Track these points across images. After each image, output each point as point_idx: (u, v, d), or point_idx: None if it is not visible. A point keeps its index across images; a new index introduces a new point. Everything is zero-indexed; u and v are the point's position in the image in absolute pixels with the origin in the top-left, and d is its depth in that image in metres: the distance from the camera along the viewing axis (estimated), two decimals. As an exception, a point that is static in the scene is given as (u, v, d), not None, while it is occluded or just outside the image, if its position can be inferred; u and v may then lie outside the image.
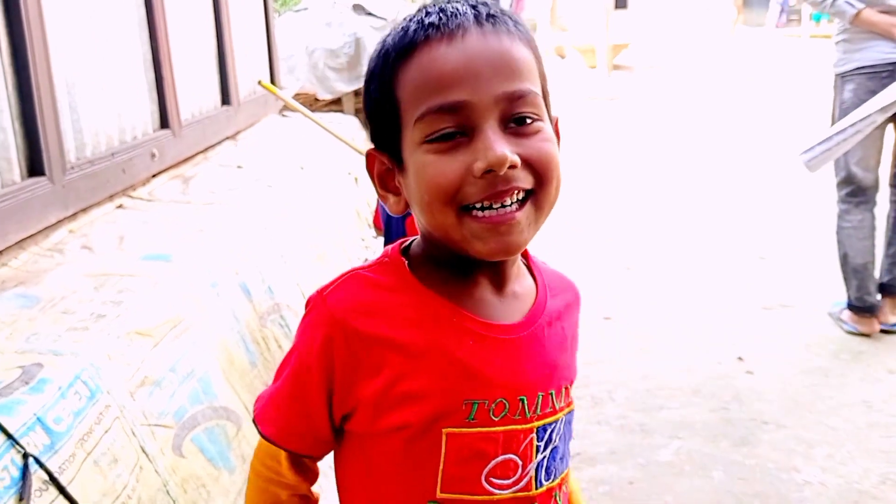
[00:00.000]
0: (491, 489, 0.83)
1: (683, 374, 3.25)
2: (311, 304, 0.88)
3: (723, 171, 6.79)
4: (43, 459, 1.41)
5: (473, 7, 0.81)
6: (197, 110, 3.78)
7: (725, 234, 5.10)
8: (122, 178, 2.88)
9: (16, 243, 2.23)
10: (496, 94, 0.78)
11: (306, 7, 8.80)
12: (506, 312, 0.88)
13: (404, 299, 0.84)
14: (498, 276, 0.89)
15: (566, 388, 0.92)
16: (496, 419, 0.83)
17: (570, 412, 0.93)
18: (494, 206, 0.79)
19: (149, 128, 3.21)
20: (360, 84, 5.73)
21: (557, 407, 0.88)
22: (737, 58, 14.92)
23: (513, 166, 0.77)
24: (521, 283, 0.93)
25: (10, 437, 1.38)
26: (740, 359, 3.35)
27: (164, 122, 3.31)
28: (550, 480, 0.88)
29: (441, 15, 0.80)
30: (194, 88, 3.74)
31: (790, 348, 3.45)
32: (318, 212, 3.69)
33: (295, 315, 2.81)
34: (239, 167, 3.62)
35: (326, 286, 0.87)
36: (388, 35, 0.84)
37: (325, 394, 0.85)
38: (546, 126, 0.83)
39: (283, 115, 5.45)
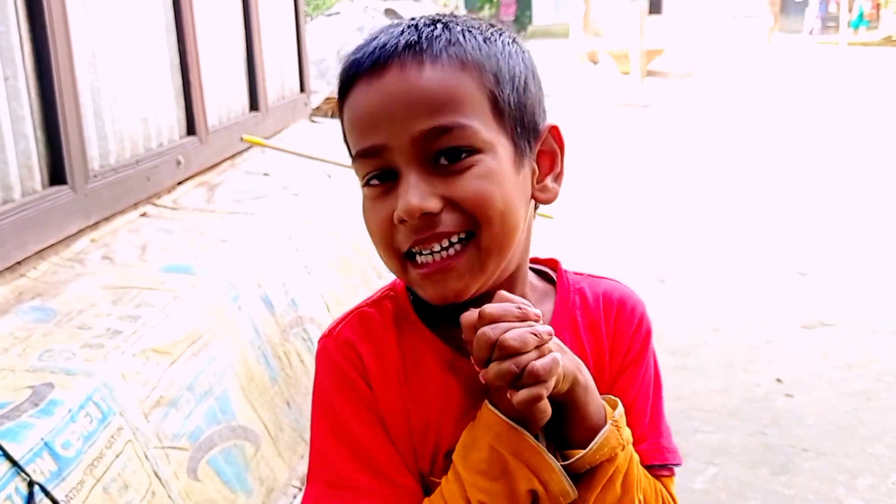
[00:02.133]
0: None
1: (719, 396, 3.13)
2: (320, 344, 0.86)
3: (760, 182, 6.62)
4: (49, 487, 1.35)
5: (409, 30, 0.76)
6: (224, 116, 3.73)
7: (764, 247, 4.95)
8: (146, 185, 2.83)
9: (35, 253, 2.19)
10: (412, 135, 0.73)
11: (338, 12, 8.80)
12: None
13: (401, 339, 0.82)
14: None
15: None
16: None
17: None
18: (430, 253, 0.75)
19: (175, 134, 3.17)
20: (391, 89, 5.69)
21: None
22: (773, 65, 14.67)
23: (429, 213, 0.73)
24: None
25: (15, 464, 1.32)
26: (779, 380, 3.22)
27: (190, 129, 3.27)
28: None
29: (367, 50, 0.76)
30: (222, 94, 3.70)
31: (831, 370, 3.31)
32: (344, 221, 3.62)
33: (319, 328, 2.74)
34: (265, 175, 3.57)
35: (335, 325, 0.85)
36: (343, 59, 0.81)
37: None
38: (487, 158, 0.74)
39: (313, 121, 5.41)
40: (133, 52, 2.85)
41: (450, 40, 0.74)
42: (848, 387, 3.17)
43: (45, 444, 1.40)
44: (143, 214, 2.80)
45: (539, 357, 0.67)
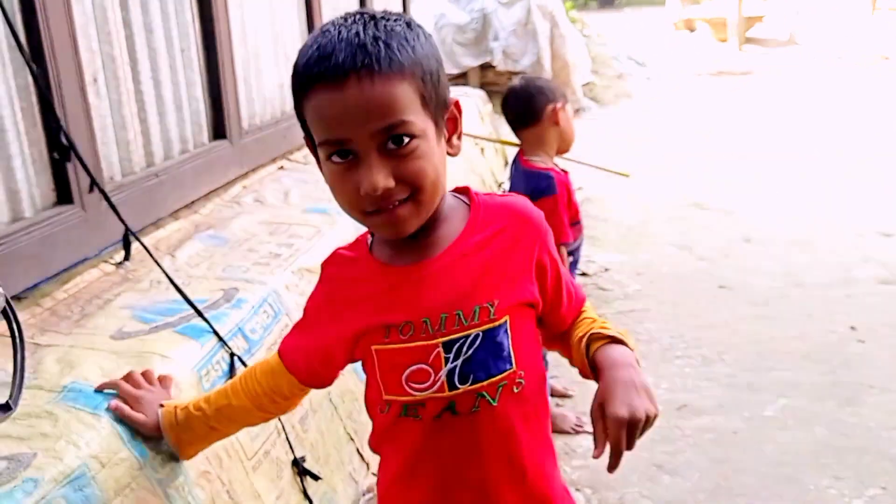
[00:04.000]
0: (411, 391, 1.08)
1: (795, 341, 3.38)
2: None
3: (853, 148, 6.65)
4: (244, 360, 1.79)
5: (356, 47, 0.97)
6: (343, 84, 4.17)
7: (851, 209, 5.08)
8: (283, 143, 3.29)
9: (204, 195, 2.66)
10: (371, 132, 0.98)
11: (437, -16, 9.11)
12: (418, 254, 1.10)
13: (358, 266, 1.15)
14: (415, 235, 1.08)
15: (485, 308, 1.07)
16: (404, 337, 1.08)
17: (494, 327, 1.07)
18: (382, 210, 1.03)
19: (305, 99, 3.62)
20: (486, 59, 6.11)
21: (466, 324, 1.06)
22: (877, 34, 14.18)
23: (386, 189, 0.99)
24: (442, 229, 1.11)
25: (220, 339, 1.75)
26: (853, 328, 3.44)
27: (317, 94, 3.71)
28: (468, 384, 1.07)
29: (327, 65, 0.96)
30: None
31: (906, 320, 3.50)
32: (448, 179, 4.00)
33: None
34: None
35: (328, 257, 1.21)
36: (298, 57, 1.03)
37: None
38: (421, 142, 1.00)
39: (417, 89, 5.80)
40: (272, 28, 3.30)
41: (391, 58, 0.97)
42: (920, 335, 3.37)
43: (239, 328, 1.84)
44: (281, 167, 3.25)
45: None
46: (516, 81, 2.68)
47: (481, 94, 6.42)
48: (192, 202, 2.59)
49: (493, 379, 1.08)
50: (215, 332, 1.75)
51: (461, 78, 8.56)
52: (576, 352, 1.17)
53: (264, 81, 3.21)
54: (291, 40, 3.50)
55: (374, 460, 2.27)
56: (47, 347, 1.64)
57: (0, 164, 1.83)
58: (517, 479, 1.13)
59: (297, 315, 2.09)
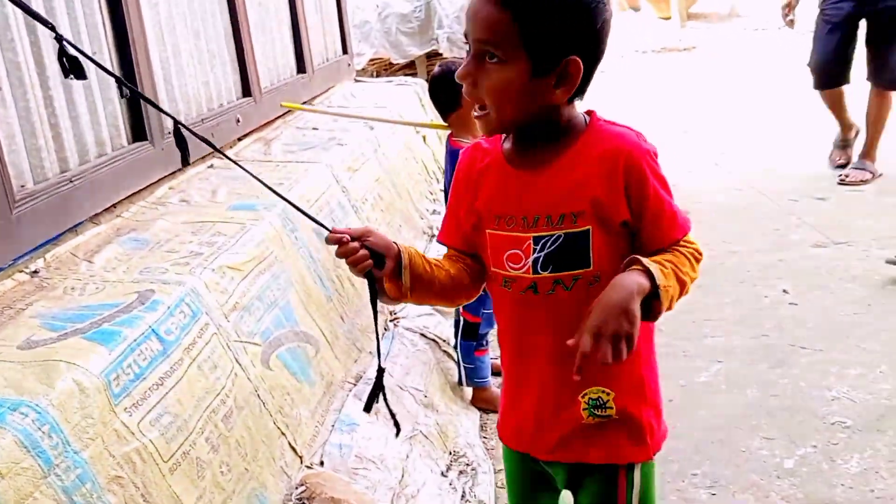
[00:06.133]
0: (508, 268, 1.37)
1: (729, 307, 3.45)
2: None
3: (791, 118, 6.75)
4: (155, 364, 1.76)
5: None
6: (275, 79, 4.14)
7: (787, 177, 5.18)
8: (211, 141, 3.25)
9: (126, 198, 2.62)
10: (473, 38, 1.27)
11: (377, -26, 9.05)
12: (531, 163, 1.35)
13: (489, 156, 1.41)
14: (527, 143, 1.36)
15: (569, 216, 1.30)
16: (509, 227, 1.36)
17: (575, 232, 1.30)
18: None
19: (233, 96, 3.58)
20: (432, 47, 6.11)
21: (552, 226, 1.31)
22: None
23: (466, 84, 1.29)
24: (559, 144, 1.33)
25: (153, 330, 1.74)
26: (785, 291, 3.52)
27: (245, 91, 3.68)
28: (548, 271, 1.32)
29: None
30: (272, 59, 4.10)
31: (837, 281, 3.59)
32: (386, 167, 4.01)
33: (365, 258, 3.14)
34: (314, 129, 3.97)
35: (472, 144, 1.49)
36: None
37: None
38: (504, 68, 1.24)
39: (357, 81, 5.78)
40: (193, 25, 3.25)
41: None
42: (850, 295, 3.45)
43: (153, 330, 1.82)
44: (211, 166, 3.22)
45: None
46: (436, 69, 2.78)
47: (422, 83, 6.40)
48: (114, 205, 2.56)
49: (570, 272, 1.32)
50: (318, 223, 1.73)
51: (410, 68, 8.53)
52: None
53: (187, 79, 3.17)
54: (215, 36, 3.46)
55: (308, 453, 2.28)
56: (-48, 362, 1.62)
57: None
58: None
59: (218, 315, 2.09)
